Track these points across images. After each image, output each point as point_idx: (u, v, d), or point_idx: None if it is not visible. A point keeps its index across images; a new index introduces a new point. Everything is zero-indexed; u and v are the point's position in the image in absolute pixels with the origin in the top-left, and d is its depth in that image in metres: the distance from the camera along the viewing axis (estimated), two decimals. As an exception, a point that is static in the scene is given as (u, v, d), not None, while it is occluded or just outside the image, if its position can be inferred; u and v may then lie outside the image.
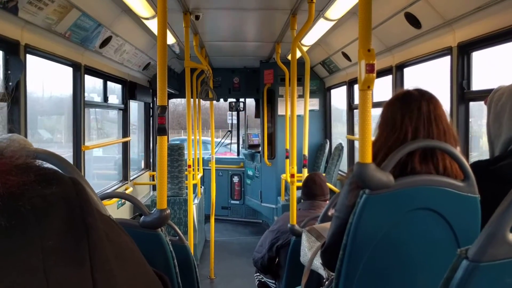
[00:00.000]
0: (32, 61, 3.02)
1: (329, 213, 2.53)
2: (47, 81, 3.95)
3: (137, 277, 0.52)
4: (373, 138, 1.55)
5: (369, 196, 1.40)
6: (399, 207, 1.43)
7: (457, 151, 1.45)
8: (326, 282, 2.02)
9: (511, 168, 1.48)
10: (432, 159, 1.49)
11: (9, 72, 2.76)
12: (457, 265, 0.79)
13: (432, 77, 3.94)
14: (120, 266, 0.48)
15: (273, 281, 3.46)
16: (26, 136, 2.82)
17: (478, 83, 2.97)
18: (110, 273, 0.45)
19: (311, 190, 3.36)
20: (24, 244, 0.41)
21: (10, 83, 2.75)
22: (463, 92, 2.99)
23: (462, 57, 2.97)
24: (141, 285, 0.52)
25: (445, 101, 3.10)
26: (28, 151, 0.48)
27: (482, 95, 2.97)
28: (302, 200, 3.45)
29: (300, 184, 3.74)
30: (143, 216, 2.00)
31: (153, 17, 3.75)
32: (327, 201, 3.37)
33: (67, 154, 3.79)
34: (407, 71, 3.95)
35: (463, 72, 2.98)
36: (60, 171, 0.48)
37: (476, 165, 1.52)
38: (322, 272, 2.09)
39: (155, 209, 2.03)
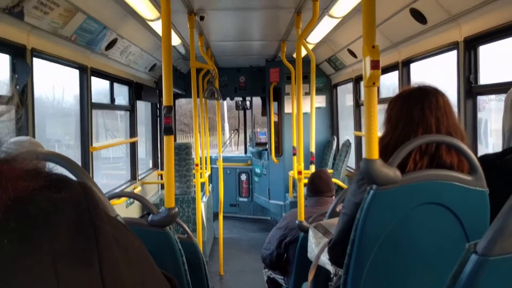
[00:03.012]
0: (40, 64, 3.06)
1: (337, 209, 2.54)
2: (56, 83, 3.99)
3: (146, 280, 0.52)
4: (380, 134, 1.56)
5: (376, 192, 1.41)
6: (407, 202, 1.44)
7: (464, 144, 1.45)
8: (334, 278, 2.02)
9: None
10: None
11: (16, 76, 2.78)
12: (466, 260, 0.79)
13: (438, 72, 3.92)
14: (129, 269, 0.48)
15: (282, 277, 3.47)
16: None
17: (487, 77, 2.95)
18: (118, 276, 0.46)
19: (318, 187, 3.38)
20: (34, 247, 0.41)
21: (18, 87, 2.78)
22: (470, 86, 2.98)
23: (468, 52, 2.95)
24: (149, 284, 0.53)
25: (452, 96, 3.10)
26: (38, 155, 0.49)
27: (489, 89, 2.95)
28: (308, 197, 3.45)
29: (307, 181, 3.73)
30: (151, 215, 2.02)
31: (157, 18, 3.76)
32: (333, 197, 3.38)
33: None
34: (413, 66, 3.94)
35: (470, 66, 2.97)
36: (69, 176, 0.49)
37: (483, 159, 1.52)
38: (330, 267, 2.09)
39: (163, 207, 2.04)
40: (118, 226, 0.51)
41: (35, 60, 2.94)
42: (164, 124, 2.22)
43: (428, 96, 1.54)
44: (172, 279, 0.65)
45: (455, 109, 1.60)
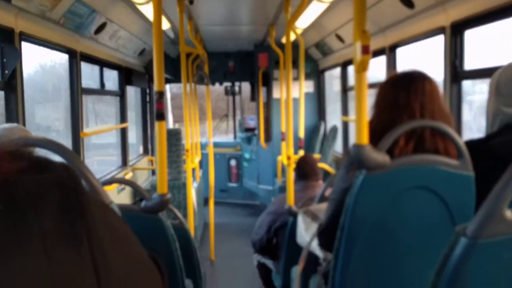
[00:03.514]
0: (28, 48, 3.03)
1: (326, 194, 2.59)
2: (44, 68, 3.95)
3: (131, 257, 0.54)
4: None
5: (365, 177, 1.44)
6: (396, 187, 1.47)
7: (451, 129, 1.49)
8: (323, 263, 2.06)
9: (502, 146, 1.52)
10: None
11: (4, 60, 2.76)
12: (456, 243, 0.80)
13: (425, 56, 3.96)
14: (115, 246, 0.49)
15: (271, 261, 3.53)
16: (24, 124, 2.84)
17: (473, 63, 3.00)
18: (106, 252, 0.47)
19: (303, 171, 3.44)
20: (23, 227, 0.42)
21: (6, 71, 2.76)
22: (456, 71, 3.02)
23: (455, 37, 2.99)
24: (136, 264, 0.54)
25: (437, 81, 3.15)
26: (20, 140, 0.50)
27: (475, 74, 3.00)
28: (295, 182, 3.51)
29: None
30: (144, 201, 2.03)
31: (147, 2, 3.73)
32: (319, 181, 3.44)
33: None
34: (400, 50, 3.97)
35: (455, 51, 3.00)
36: (50, 158, 0.50)
37: (468, 144, 1.56)
38: (319, 252, 2.13)
39: (155, 193, 2.06)
40: (102, 205, 0.52)
41: (23, 44, 2.91)
42: (156, 110, 2.22)
43: (414, 81, 1.57)
44: (155, 257, 0.67)
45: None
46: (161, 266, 0.67)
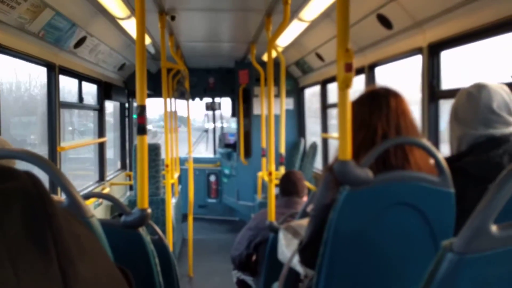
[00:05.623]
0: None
1: (308, 210, 2.59)
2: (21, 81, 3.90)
3: (99, 267, 0.53)
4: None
5: (349, 193, 1.45)
6: (378, 203, 1.48)
7: (433, 146, 1.52)
8: (306, 280, 2.05)
9: (475, 165, 1.59)
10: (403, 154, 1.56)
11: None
12: (442, 258, 0.80)
13: (403, 75, 4.05)
14: (82, 256, 0.48)
15: (251, 278, 3.50)
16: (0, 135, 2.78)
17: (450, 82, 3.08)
18: (74, 261, 0.46)
19: (286, 188, 3.45)
20: None
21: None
22: (433, 91, 3.09)
23: (432, 57, 3.06)
24: (103, 274, 0.53)
25: (414, 100, 3.22)
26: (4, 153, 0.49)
27: (451, 94, 3.08)
28: (278, 197, 3.51)
29: (278, 181, 3.80)
30: (124, 216, 2.00)
31: (128, 17, 3.73)
32: (304, 198, 3.45)
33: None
34: (379, 70, 4.04)
35: (433, 71, 3.08)
36: (14, 167, 0.49)
37: None
38: (299, 269, 2.13)
39: (136, 208, 2.03)
40: (66, 215, 0.51)
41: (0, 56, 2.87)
42: (138, 124, 2.20)
43: (377, 98, 1.60)
44: (125, 270, 0.65)
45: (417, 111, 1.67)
46: (130, 279, 0.66)
